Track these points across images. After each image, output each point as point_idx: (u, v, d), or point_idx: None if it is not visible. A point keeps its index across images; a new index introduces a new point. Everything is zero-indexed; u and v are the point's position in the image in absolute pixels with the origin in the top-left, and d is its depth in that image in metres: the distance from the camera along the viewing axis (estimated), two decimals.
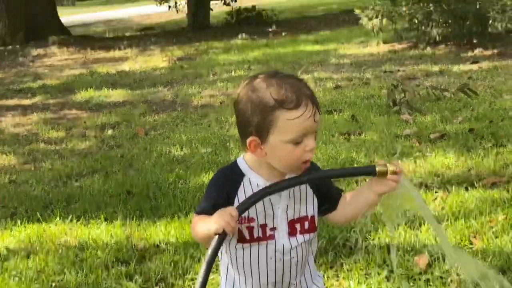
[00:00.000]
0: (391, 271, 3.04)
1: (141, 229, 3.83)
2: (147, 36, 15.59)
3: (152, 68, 10.53)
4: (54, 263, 3.46)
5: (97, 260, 3.45)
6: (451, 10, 9.61)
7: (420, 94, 6.55)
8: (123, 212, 4.11)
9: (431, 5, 9.76)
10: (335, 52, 10.65)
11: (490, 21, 9.19)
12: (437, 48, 9.80)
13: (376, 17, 10.26)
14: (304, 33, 13.69)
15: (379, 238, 3.41)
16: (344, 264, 3.21)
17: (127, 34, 16.81)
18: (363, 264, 3.18)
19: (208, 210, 1.74)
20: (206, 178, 4.62)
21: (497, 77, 7.48)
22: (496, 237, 3.35)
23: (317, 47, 11.41)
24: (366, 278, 3.07)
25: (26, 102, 8.55)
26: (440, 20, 9.82)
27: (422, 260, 3.13)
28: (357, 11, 10.92)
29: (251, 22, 16.03)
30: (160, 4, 17.51)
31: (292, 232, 1.84)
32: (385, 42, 10.71)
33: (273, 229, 1.83)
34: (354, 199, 1.87)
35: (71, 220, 4.04)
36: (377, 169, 1.74)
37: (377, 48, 10.57)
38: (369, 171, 1.77)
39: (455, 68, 8.25)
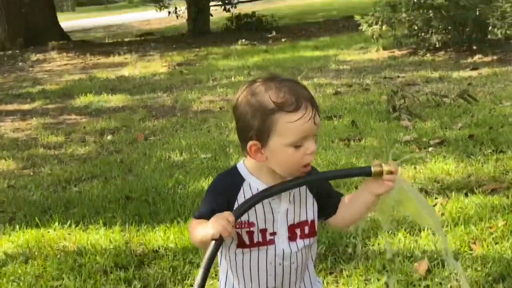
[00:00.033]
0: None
1: (140, 235, 3.81)
2: (147, 41, 15.62)
3: (152, 74, 10.54)
4: (52, 268, 3.44)
5: (95, 265, 3.44)
6: (450, 16, 9.63)
7: (420, 100, 6.55)
8: (122, 217, 4.09)
9: (430, 11, 9.78)
10: (335, 58, 10.66)
11: (490, 28, 9.19)
12: (436, 54, 9.82)
13: (376, 23, 10.28)
14: (304, 39, 13.72)
15: (378, 244, 3.40)
16: (343, 270, 3.21)
17: (127, 39, 16.84)
18: (362, 270, 3.17)
19: (207, 214, 1.74)
20: (206, 183, 4.61)
21: (497, 83, 7.49)
22: (496, 243, 3.34)
23: (317, 53, 11.43)
24: (366, 284, 3.07)
25: (26, 107, 8.54)
26: (440, 26, 9.85)
27: (421, 267, 3.12)
28: (357, 17, 10.95)
29: (251, 28, 16.07)
30: (160, 9, 17.53)
31: (292, 237, 1.84)
32: (385, 48, 10.73)
33: (273, 234, 1.82)
34: (352, 201, 1.86)
35: (69, 225, 4.02)
36: (372, 169, 1.74)
37: (377, 54, 10.59)
38: (364, 171, 1.77)
39: (455, 74, 8.26)
